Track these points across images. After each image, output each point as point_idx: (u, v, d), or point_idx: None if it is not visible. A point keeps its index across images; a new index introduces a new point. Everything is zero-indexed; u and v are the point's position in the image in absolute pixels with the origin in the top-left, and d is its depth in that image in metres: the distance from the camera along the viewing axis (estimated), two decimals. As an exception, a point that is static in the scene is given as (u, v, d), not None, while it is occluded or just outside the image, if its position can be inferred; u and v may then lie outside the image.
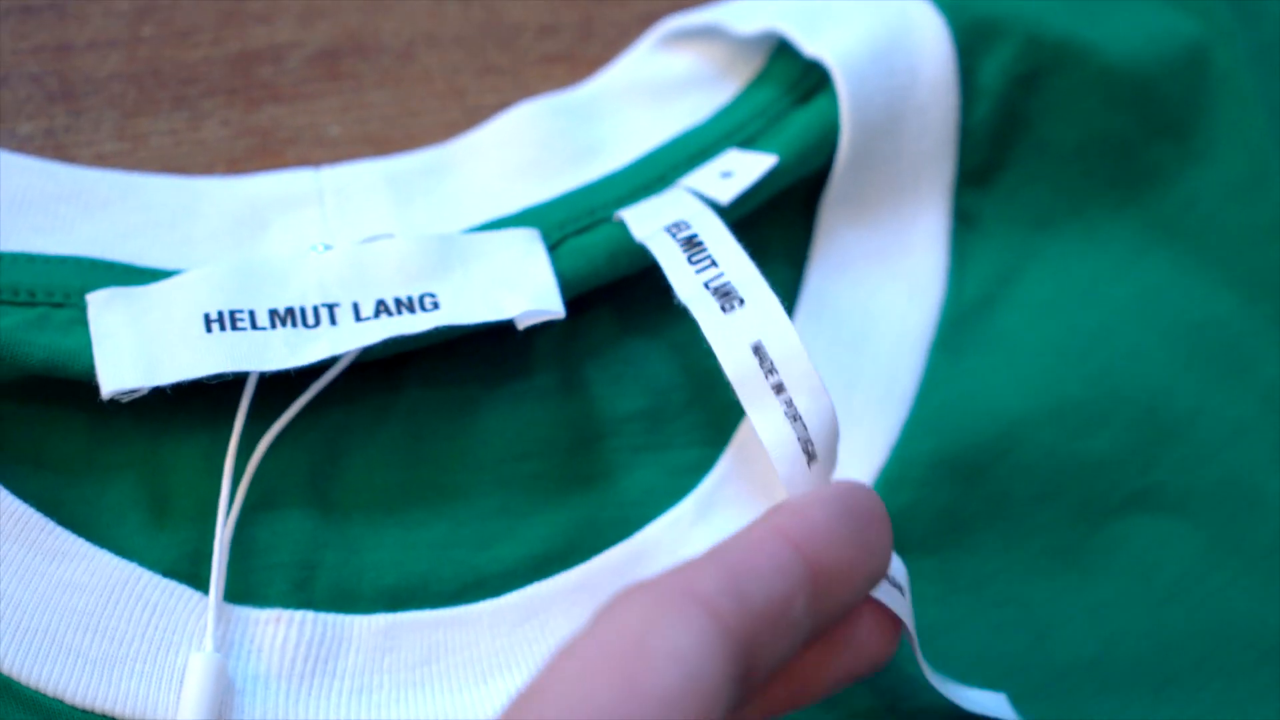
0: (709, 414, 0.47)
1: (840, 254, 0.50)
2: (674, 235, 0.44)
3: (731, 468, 0.47)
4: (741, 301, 0.42)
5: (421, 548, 0.45)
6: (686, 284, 0.42)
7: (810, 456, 0.40)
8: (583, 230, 0.46)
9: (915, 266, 0.50)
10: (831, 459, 0.41)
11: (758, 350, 0.41)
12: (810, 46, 0.49)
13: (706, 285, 0.42)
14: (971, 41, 0.50)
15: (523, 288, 0.44)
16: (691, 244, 0.43)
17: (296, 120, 0.51)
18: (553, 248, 0.46)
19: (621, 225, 0.46)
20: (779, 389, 0.41)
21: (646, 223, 0.45)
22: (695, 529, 0.46)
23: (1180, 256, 0.51)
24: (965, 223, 0.51)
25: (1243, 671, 0.46)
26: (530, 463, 0.46)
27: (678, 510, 0.46)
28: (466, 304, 0.44)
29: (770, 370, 0.41)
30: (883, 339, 0.49)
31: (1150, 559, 0.48)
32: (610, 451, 0.47)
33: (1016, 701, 0.44)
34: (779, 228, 0.50)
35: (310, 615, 0.43)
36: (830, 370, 0.48)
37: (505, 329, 0.45)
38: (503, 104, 0.51)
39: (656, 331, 0.48)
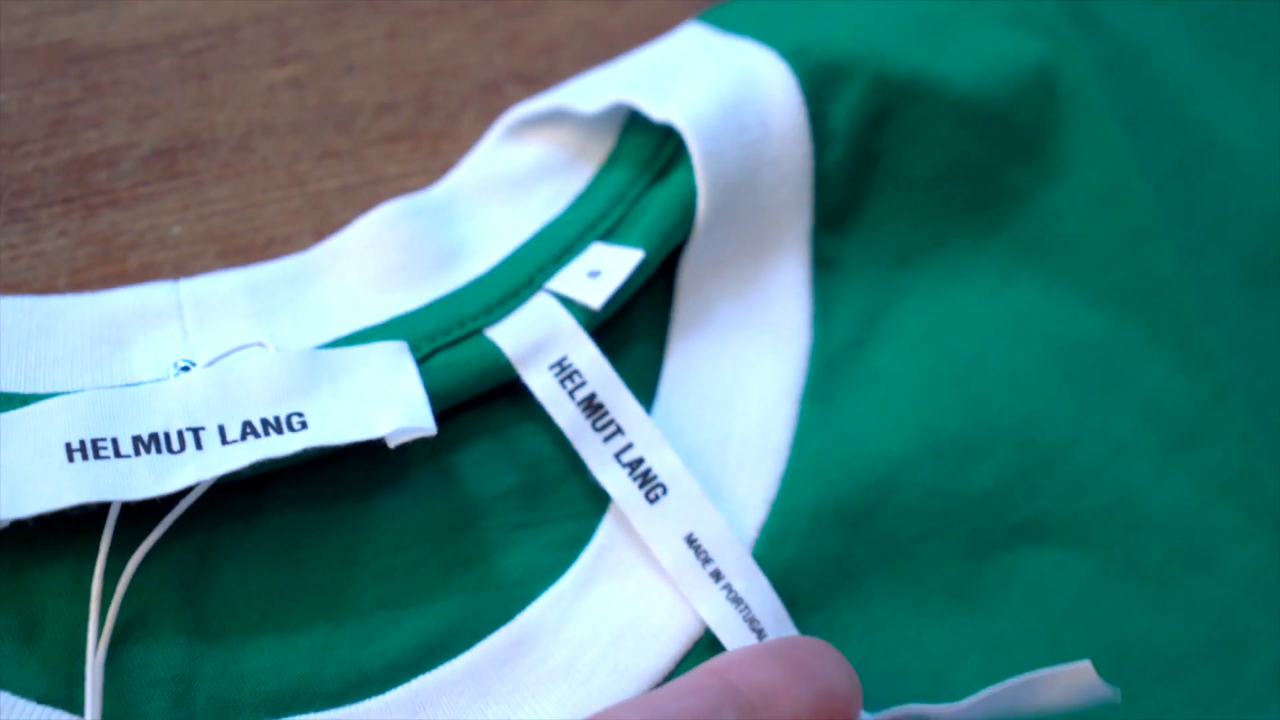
0: (584, 485, 0.47)
1: (703, 314, 0.49)
2: (566, 388, 0.46)
3: (610, 537, 0.46)
4: (665, 490, 0.45)
5: (302, 650, 0.44)
6: (604, 467, 0.46)
7: (760, 634, 0.44)
8: (453, 344, 0.46)
9: (779, 317, 0.49)
10: (780, 631, 0.44)
11: (691, 541, 0.45)
12: (658, 111, 0.48)
13: (620, 460, 0.45)
14: (818, 86, 0.50)
15: (393, 404, 0.44)
16: (592, 406, 0.45)
17: (137, 224, 0.50)
18: (422, 360, 0.45)
19: (492, 343, 0.46)
20: (716, 576, 0.44)
21: (518, 341, 0.46)
22: (578, 604, 0.45)
23: (1048, 277, 0.51)
24: (826, 267, 0.50)
25: (1145, 692, 0.47)
26: (407, 552, 0.45)
27: (558, 587, 0.45)
28: (335, 423, 0.43)
29: (705, 559, 0.45)
30: (752, 394, 0.48)
31: (1042, 587, 0.48)
32: (487, 531, 0.46)
33: None
34: (641, 296, 0.50)
35: None
36: (702, 431, 0.48)
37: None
38: (345, 187, 0.51)
39: (524, 407, 0.47)
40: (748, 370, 0.49)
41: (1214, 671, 0.47)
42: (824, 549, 0.46)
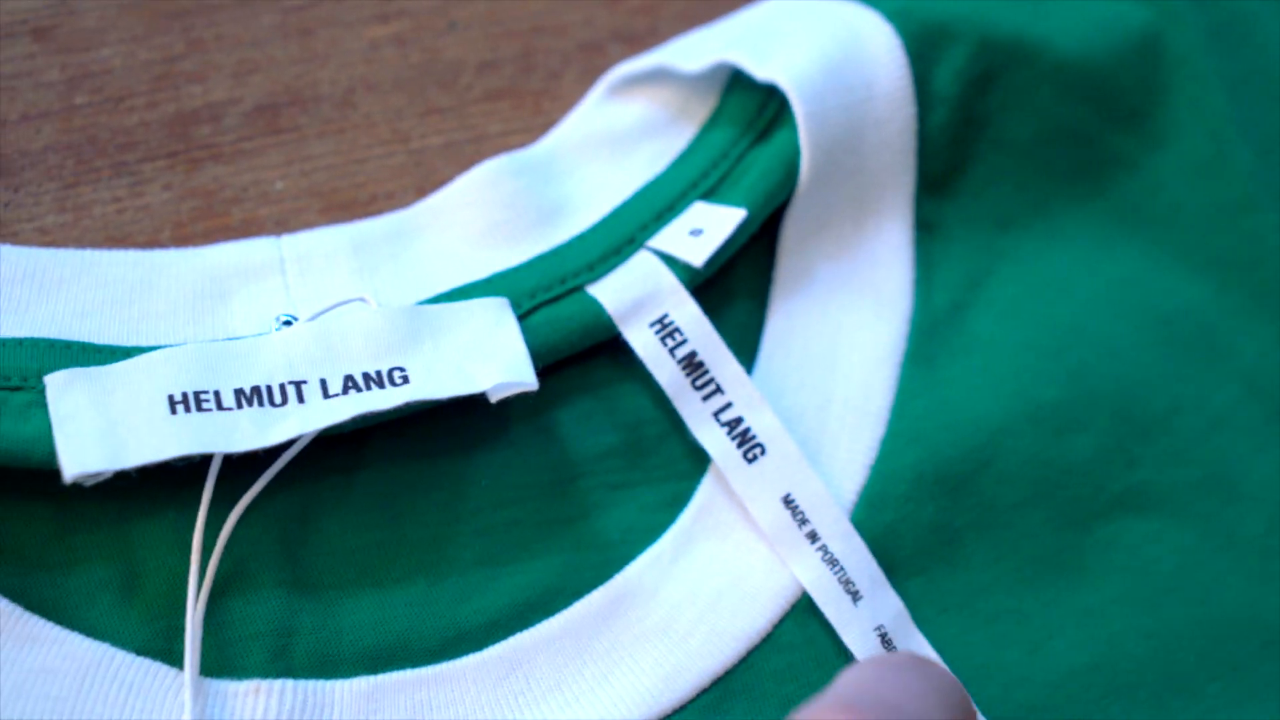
0: (684, 446, 0.47)
1: (805, 275, 0.49)
2: (667, 346, 0.46)
3: (709, 499, 0.46)
4: (763, 450, 0.45)
5: (400, 606, 0.44)
6: (703, 426, 0.46)
7: (855, 596, 0.44)
8: (554, 300, 0.46)
9: (881, 281, 0.49)
10: (877, 594, 0.45)
11: (788, 501, 0.45)
12: (762, 71, 0.48)
13: (719, 419, 0.46)
14: (923, 48, 0.50)
15: (494, 359, 0.44)
16: (693, 365, 0.45)
17: (240, 178, 0.50)
18: (523, 317, 0.45)
19: (594, 300, 0.46)
20: (813, 537, 0.45)
21: (620, 298, 0.46)
22: (676, 565, 0.45)
23: (1149, 245, 0.50)
24: (928, 231, 0.50)
25: (1246, 666, 0.46)
26: (507, 510, 0.45)
27: (657, 548, 0.45)
28: (437, 378, 0.43)
29: (802, 520, 0.45)
30: (853, 357, 0.48)
31: (1142, 558, 0.47)
32: (587, 491, 0.46)
33: (1019, 715, 0.44)
34: (742, 256, 0.49)
35: (290, 683, 0.42)
36: (803, 394, 0.48)
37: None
38: (448, 144, 0.51)
39: (625, 367, 0.47)
40: (849, 333, 0.48)
41: (1316, 645, 0.47)
42: (923, 515, 0.46)
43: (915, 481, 0.46)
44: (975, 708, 0.40)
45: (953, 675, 0.39)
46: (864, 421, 0.47)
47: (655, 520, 0.46)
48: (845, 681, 0.38)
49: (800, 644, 0.45)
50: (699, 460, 0.47)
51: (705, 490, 0.46)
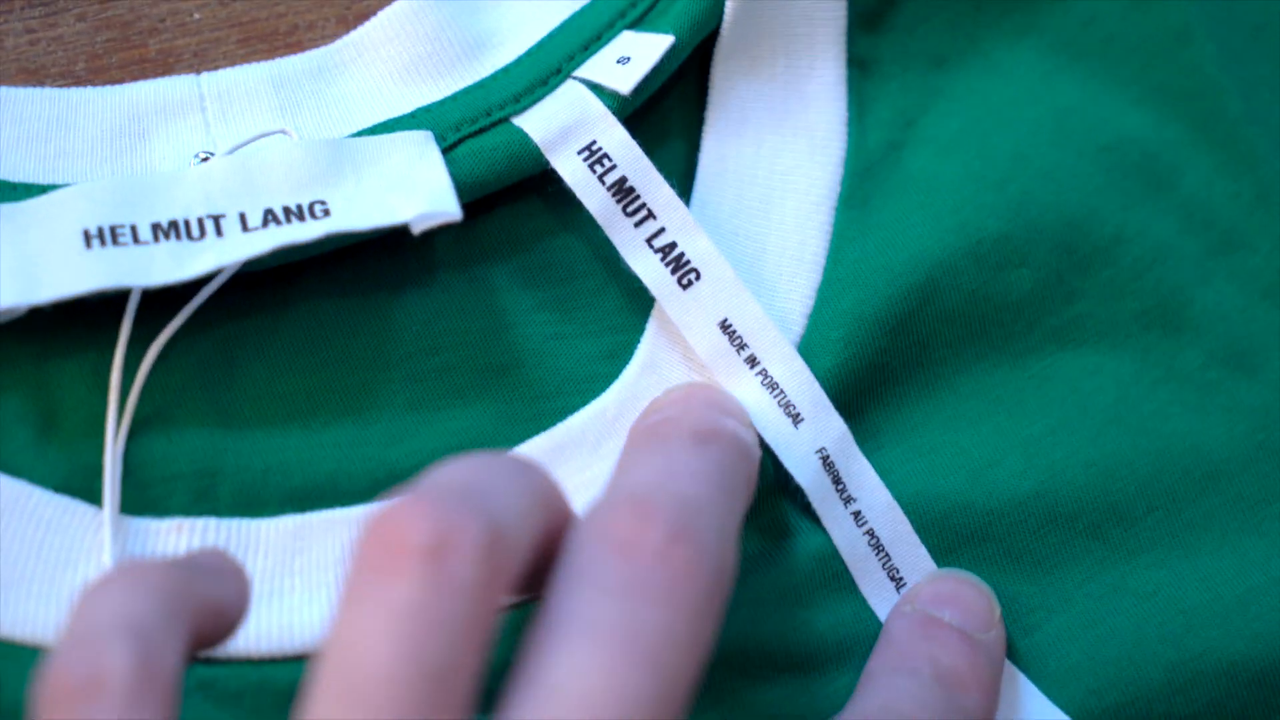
0: (622, 299, 0.46)
1: (737, 114, 0.48)
2: (596, 173, 0.45)
3: (653, 355, 0.46)
4: (698, 275, 0.44)
5: (328, 447, 0.44)
6: (636, 253, 0.45)
7: (795, 419, 0.44)
8: (479, 132, 0.45)
9: (814, 121, 0.48)
10: (819, 417, 0.44)
11: (725, 326, 0.44)
12: None
13: (652, 245, 0.45)
14: None
15: (417, 191, 0.43)
16: (623, 190, 0.45)
17: (157, 8, 0.49)
18: (448, 150, 0.44)
19: (520, 130, 0.45)
20: (752, 361, 0.44)
21: (547, 127, 0.45)
22: (619, 421, 0.45)
23: (1087, 77, 0.50)
24: (862, 69, 0.49)
25: (1185, 497, 0.46)
26: (440, 356, 0.45)
27: (600, 403, 0.45)
28: (358, 210, 0.42)
29: (741, 345, 0.44)
30: (787, 204, 0.48)
31: (1082, 391, 0.47)
32: (523, 341, 0.46)
33: (957, 547, 0.45)
34: (674, 97, 0.49)
35: (213, 522, 0.42)
36: (737, 242, 0.47)
37: (402, 233, 0.43)
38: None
39: (561, 219, 0.47)
40: (783, 177, 0.48)
41: (1257, 475, 0.47)
42: (862, 358, 0.46)
43: (854, 325, 0.46)
44: None
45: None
46: (800, 269, 0.47)
47: (593, 372, 0.46)
48: (632, 474, 0.38)
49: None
50: (637, 314, 0.46)
51: (648, 345, 0.46)
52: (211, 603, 0.36)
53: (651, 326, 0.46)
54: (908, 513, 0.45)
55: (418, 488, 0.34)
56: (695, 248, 0.45)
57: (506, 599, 0.34)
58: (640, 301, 0.46)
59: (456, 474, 0.35)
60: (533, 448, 0.44)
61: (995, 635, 0.43)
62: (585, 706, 0.32)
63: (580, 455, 0.44)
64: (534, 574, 0.38)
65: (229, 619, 0.36)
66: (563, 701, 0.32)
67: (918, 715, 0.39)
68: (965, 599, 0.43)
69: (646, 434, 0.41)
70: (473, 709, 0.33)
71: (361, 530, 0.33)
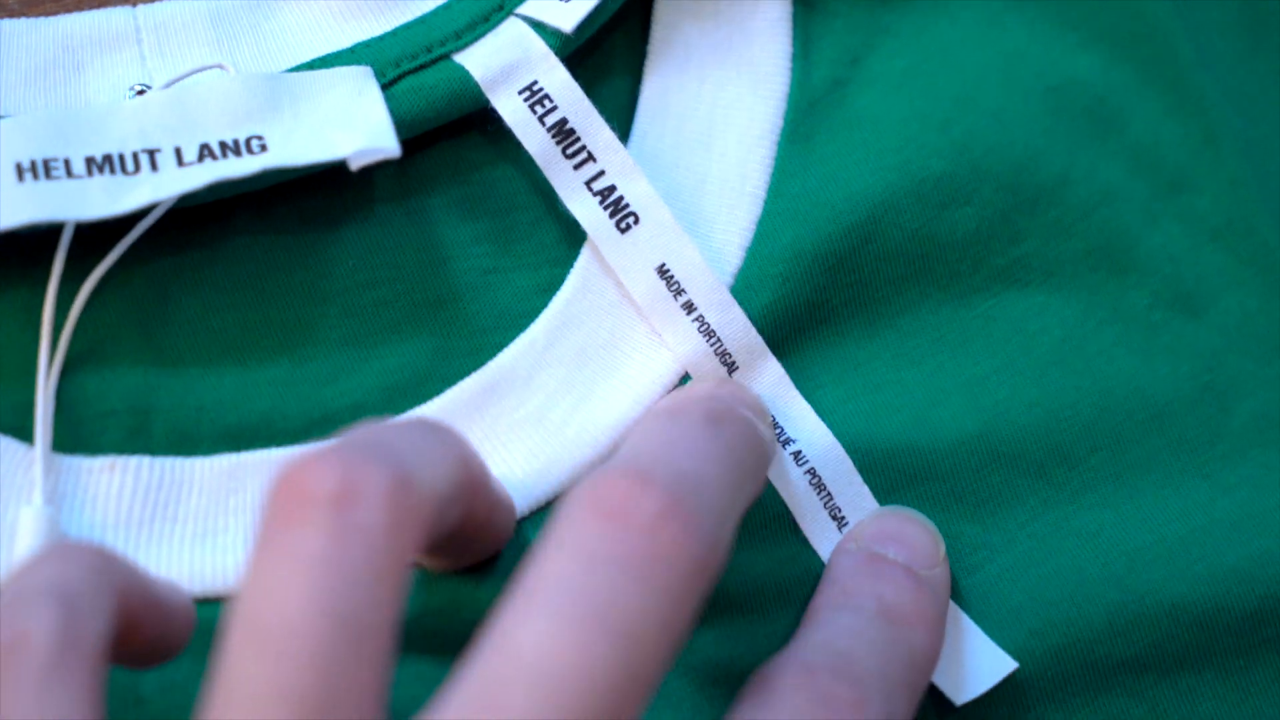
0: (560, 232, 0.46)
1: (680, 52, 0.48)
2: (536, 113, 0.44)
3: (583, 282, 0.45)
4: (637, 219, 0.44)
5: (264, 385, 0.43)
6: (574, 196, 0.45)
7: (731, 367, 0.44)
8: (420, 68, 0.45)
9: (758, 56, 0.48)
10: (754, 364, 0.44)
11: (662, 271, 0.44)
12: None
13: (590, 188, 0.45)
14: None
15: (355, 126, 0.42)
16: (563, 132, 0.44)
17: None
18: (388, 86, 0.44)
19: (461, 67, 0.45)
20: (689, 307, 0.44)
21: (487, 65, 0.45)
22: (550, 352, 0.45)
23: (1036, 19, 0.49)
24: (807, 4, 0.49)
25: (1129, 438, 0.46)
26: (375, 290, 0.45)
27: (530, 334, 0.45)
28: (296, 145, 0.42)
29: (678, 290, 0.44)
30: (729, 136, 0.47)
31: (1026, 331, 0.47)
32: (459, 275, 0.45)
33: (899, 487, 0.45)
34: (618, 34, 0.48)
35: (147, 460, 0.42)
36: (677, 174, 0.47)
37: (339, 169, 0.43)
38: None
39: (500, 151, 0.46)
40: (725, 111, 0.47)
41: (1200, 417, 0.47)
42: (800, 294, 0.46)
43: (793, 261, 0.46)
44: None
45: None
46: (740, 202, 0.46)
47: (529, 306, 0.45)
48: (637, 444, 0.37)
49: (676, 432, 0.44)
50: (575, 246, 0.46)
51: (579, 273, 0.45)
52: (147, 592, 0.36)
53: (585, 254, 0.45)
54: (850, 452, 0.45)
55: (326, 444, 0.34)
56: (634, 191, 0.44)
57: (417, 549, 0.34)
58: (579, 234, 0.45)
59: (366, 432, 0.35)
60: (466, 387, 0.44)
61: (940, 572, 0.42)
62: (542, 675, 0.31)
63: (513, 391, 0.44)
64: (455, 535, 0.38)
65: (166, 621, 0.37)
66: (520, 666, 0.32)
67: (862, 651, 0.39)
68: (909, 536, 0.43)
69: (660, 410, 0.41)
70: (390, 658, 0.32)
71: (270, 483, 0.33)
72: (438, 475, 0.35)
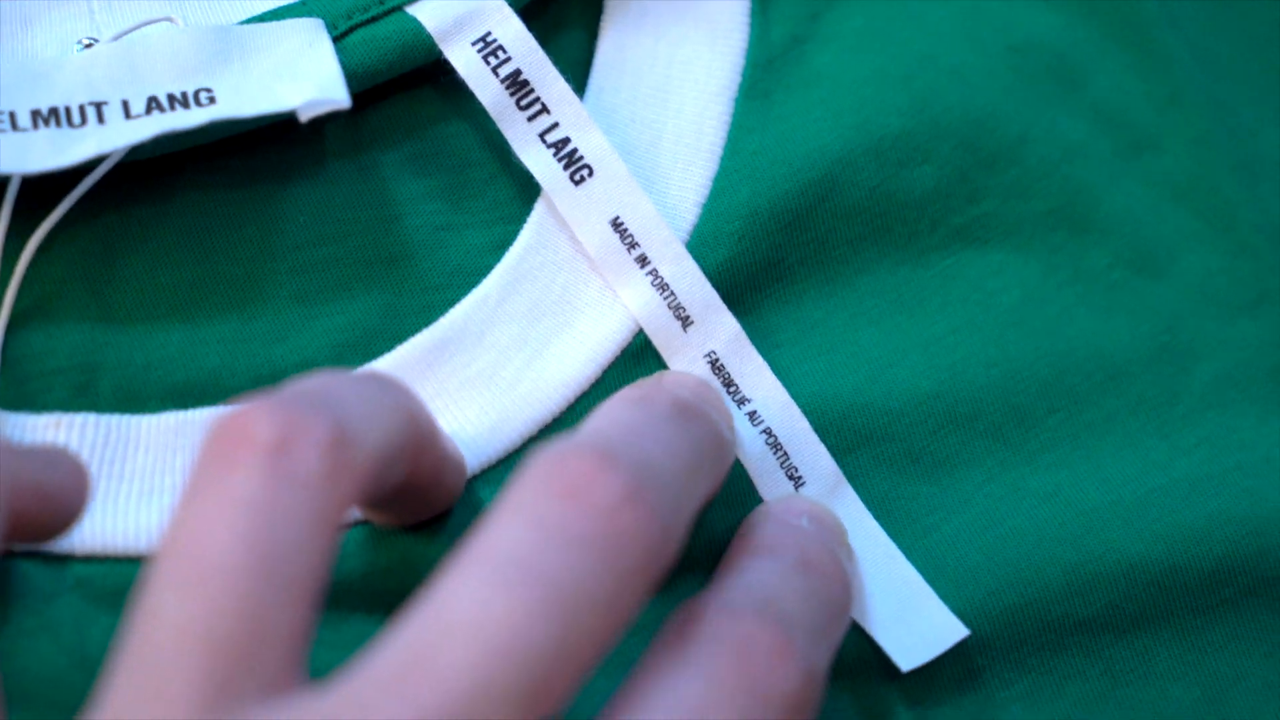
0: (514, 189, 0.46)
1: (637, 5, 0.47)
2: (490, 65, 0.44)
3: (536, 238, 0.45)
4: (591, 171, 0.44)
5: (212, 343, 0.43)
6: (528, 148, 0.44)
7: (685, 322, 0.44)
8: (372, 20, 0.44)
9: (716, 12, 0.48)
10: (709, 320, 0.44)
11: (616, 224, 0.44)
12: None
13: (544, 140, 0.44)
14: None
15: (305, 78, 0.42)
16: (517, 84, 0.44)
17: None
18: (340, 38, 0.44)
19: (414, 19, 0.44)
20: (643, 261, 0.44)
21: (441, 17, 0.44)
22: (502, 308, 0.44)
23: None
24: (766, -41, 0.48)
25: (1087, 399, 0.46)
26: (326, 247, 0.44)
27: (482, 289, 0.44)
28: (245, 97, 0.42)
29: (632, 244, 0.44)
30: (686, 92, 0.47)
31: (985, 291, 0.47)
32: (411, 231, 0.45)
33: (856, 447, 0.45)
34: None
35: (93, 418, 0.41)
36: (633, 129, 0.46)
37: (291, 123, 0.43)
38: None
39: (453, 106, 0.46)
40: (682, 67, 0.47)
41: (1159, 377, 0.46)
42: (756, 252, 0.45)
43: (749, 218, 0.45)
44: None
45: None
46: (696, 158, 0.46)
47: (482, 264, 0.45)
48: (603, 424, 0.37)
49: (629, 389, 0.44)
50: (528, 204, 0.45)
51: (532, 229, 0.45)
52: (36, 486, 0.36)
53: (539, 209, 0.45)
54: (806, 412, 0.44)
55: (269, 393, 0.34)
56: (588, 144, 0.44)
57: (353, 501, 0.34)
58: (533, 191, 0.45)
59: (311, 383, 0.35)
60: (417, 344, 0.44)
61: (849, 551, 0.42)
62: (478, 637, 0.31)
63: (464, 349, 0.44)
64: (402, 490, 0.38)
65: (61, 507, 0.37)
66: (457, 626, 0.31)
67: (786, 596, 0.38)
68: (820, 514, 0.42)
69: (629, 395, 0.41)
70: (314, 609, 0.32)
71: (209, 428, 0.33)
72: (381, 428, 0.35)
